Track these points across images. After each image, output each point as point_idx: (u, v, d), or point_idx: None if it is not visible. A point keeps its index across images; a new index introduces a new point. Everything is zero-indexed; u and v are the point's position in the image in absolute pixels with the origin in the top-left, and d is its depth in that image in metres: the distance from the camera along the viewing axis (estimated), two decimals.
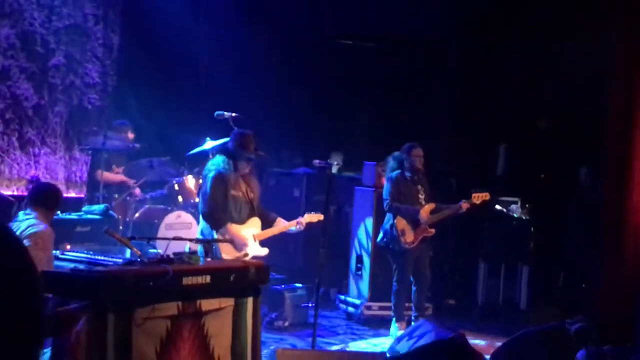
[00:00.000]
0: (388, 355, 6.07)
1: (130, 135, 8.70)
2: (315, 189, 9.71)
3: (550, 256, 9.58)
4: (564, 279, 9.20)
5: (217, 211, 6.29)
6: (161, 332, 4.06)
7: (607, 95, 7.01)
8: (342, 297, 9.07)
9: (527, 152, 10.15)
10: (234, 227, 6.30)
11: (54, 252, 5.16)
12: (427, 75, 10.48)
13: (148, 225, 8.26)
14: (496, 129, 10.11)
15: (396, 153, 8.25)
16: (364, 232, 8.75)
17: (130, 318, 3.89)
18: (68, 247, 6.57)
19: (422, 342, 5.99)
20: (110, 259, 4.36)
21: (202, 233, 6.39)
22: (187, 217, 8.50)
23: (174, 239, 4.88)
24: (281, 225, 6.70)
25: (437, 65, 10.52)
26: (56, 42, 9.29)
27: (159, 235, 8.07)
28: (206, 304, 4.30)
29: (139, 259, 4.26)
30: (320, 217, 6.92)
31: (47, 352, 3.76)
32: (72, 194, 9.45)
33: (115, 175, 8.71)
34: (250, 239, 6.36)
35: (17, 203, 7.10)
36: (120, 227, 8.01)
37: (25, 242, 4.95)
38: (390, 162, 8.28)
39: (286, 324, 8.09)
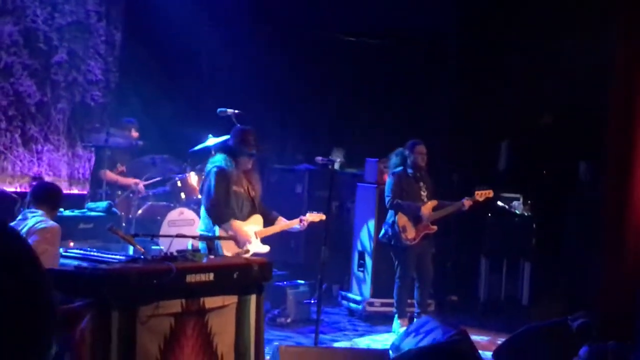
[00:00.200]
0: (391, 352, 6.08)
1: (135, 134, 8.71)
2: (318, 186, 9.72)
3: (552, 252, 9.59)
4: (565, 275, 9.21)
5: (220, 206, 6.27)
6: (165, 329, 4.07)
7: (608, 91, 7.01)
8: (345, 293, 9.08)
9: (529, 148, 10.15)
10: (237, 224, 6.29)
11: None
12: (429, 72, 10.47)
13: (151, 222, 8.27)
14: (498, 125, 10.11)
15: (399, 150, 8.26)
16: (366, 229, 8.76)
17: (134, 316, 3.91)
18: (71, 244, 6.60)
19: (429, 339, 6.00)
20: (113, 257, 4.37)
21: (203, 230, 6.37)
22: (189, 213, 8.51)
23: (177, 236, 4.90)
24: (282, 223, 6.70)
25: (439, 61, 10.51)
26: (59, 39, 9.30)
27: (162, 231, 8.07)
28: (210, 302, 4.31)
29: (142, 257, 4.27)
30: (322, 217, 6.91)
31: None
32: (75, 191, 9.47)
33: (119, 177, 8.70)
34: (252, 235, 6.36)
35: (20, 200, 7.12)
36: (123, 224, 8.01)
37: (34, 237, 4.99)
38: (393, 159, 8.29)
39: (289, 320, 8.11)
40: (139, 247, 4.53)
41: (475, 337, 6.49)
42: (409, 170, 8.14)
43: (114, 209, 7.86)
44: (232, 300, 4.47)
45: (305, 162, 10.13)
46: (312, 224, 6.88)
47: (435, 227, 8.09)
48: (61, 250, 5.07)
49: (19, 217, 5.44)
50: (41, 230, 5.16)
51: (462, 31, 10.34)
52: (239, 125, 6.98)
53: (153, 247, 6.98)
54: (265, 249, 6.47)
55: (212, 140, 8.55)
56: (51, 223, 5.33)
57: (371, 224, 8.69)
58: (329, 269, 6.91)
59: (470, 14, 10.19)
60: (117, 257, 4.36)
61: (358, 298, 8.77)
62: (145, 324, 3.96)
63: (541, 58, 9.73)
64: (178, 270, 4.06)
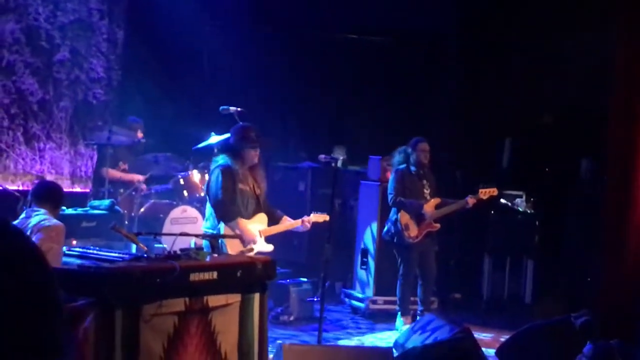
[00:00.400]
0: (394, 350, 6.07)
1: (140, 135, 8.70)
2: (321, 183, 9.72)
3: (555, 250, 9.58)
4: (568, 273, 9.20)
5: (227, 204, 6.24)
6: (168, 328, 4.06)
7: (608, 90, 7.00)
8: (347, 291, 9.08)
9: (532, 146, 10.14)
10: (242, 222, 6.26)
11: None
12: (431, 70, 10.46)
13: (153, 220, 8.26)
14: (500, 122, 10.10)
15: (402, 147, 8.25)
16: (369, 227, 8.75)
17: (137, 314, 3.90)
18: (74, 242, 6.60)
19: (435, 337, 5.99)
20: (117, 255, 4.36)
21: (208, 228, 6.34)
22: (192, 211, 8.51)
23: (181, 234, 4.89)
24: (287, 223, 6.67)
25: (441, 60, 10.50)
26: (61, 37, 9.29)
27: (165, 229, 8.08)
28: (213, 300, 4.30)
29: (145, 255, 4.26)
30: (326, 217, 6.87)
31: None
32: (77, 189, 9.46)
33: (121, 174, 8.71)
34: (256, 234, 6.33)
35: (22, 198, 7.10)
36: (126, 222, 8.01)
37: (39, 235, 4.98)
38: (396, 157, 8.27)
39: (292, 318, 8.11)
40: (142, 245, 4.53)
41: (478, 335, 6.49)
42: (412, 168, 8.13)
43: (116, 207, 7.86)
44: (235, 298, 4.46)
45: (307, 160, 10.13)
46: (315, 224, 6.86)
47: (438, 225, 8.08)
48: (64, 248, 5.07)
49: (22, 215, 5.43)
50: (45, 228, 5.16)
51: (464, 30, 10.33)
52: (242, 123, 6.98)
53: (156, 246, 6.99)
54: (270, 248, 6.45)
55: (214, 138, 8.55)
56: (55, 221, 5.33)
57: (374, 221, 8.69)
58: (331, 266, 6.91)
59: (471, 13, 10.19)
60: (121, 255, 4.35)
61: (361, 296, 8.77)
62: (149, 323, 3.95)
63: (542, 57, 9.73)
64: (181, 268, 4.05)
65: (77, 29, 9.46)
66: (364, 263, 8.81)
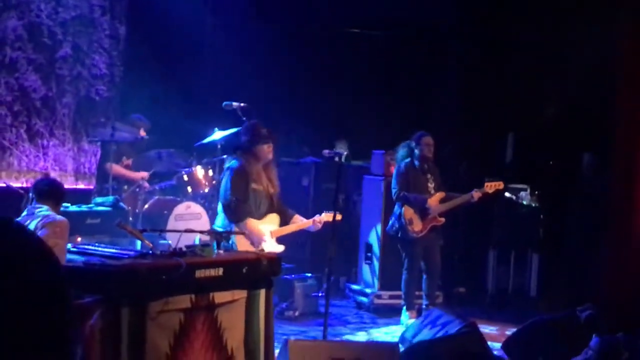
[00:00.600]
0: (400, 344, 6.07)
1: (142, 133, 8.69)
2: (324, 178, 9.70)
3: (560, 243, 9.57)
4: (573, 266, 9.19)
5: (237, 205, 6.17)
6: (175, 325, 4.06)
7: (613, 83, 6.99)
8: (352, 286, 9.07)
9: (536, 139, 10.13)
10: (252, 223, 6.20)
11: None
12: (435, 64, 10.44)
13: (157, 216, 8.26)
14: (504, 116, 10.08)
15: (406, 142, 8.23)
16: (373, 221, 8.74)
17: (143, 311, 3.89)
18: (79, 239, 6.58)
19: (445, 331, 5.99)
20: (122, 252, 4.35)
21: (219, 226, 6.27)
22: (196, 207, 8.50)
23: (186, 231, 4.88)
24: (298, 222, 6.60)
25: (445, 54, 10.48)
26: (63, 33, 9.28)
27: (169, 225, 8.08)
28: (219, 297, 4.30)
29: (151, 252, 4.25)
30: (338, 216, 6.85)
31: None
32: (81, 186, 9.46)
33: (125, 171, 8.70)
34: (267, 235, 6.27)
35: (26, 195, 7.10)
36: (130, 219, 8.00)
37: (44, 231, 4.98)
38: (400, 151, 8.25)
39: (297, 313, 8.10)
40: (147, 242, 4.52)
41: (483, 329, 6.48)
42: (416, 162, 8.11)
43: (120, 203, 7.86)
44: (241, 295, 4.46)
45: (311, 154, 10.11)
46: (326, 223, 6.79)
47: (442, 219, 8.07)
48: (69, 245, 5.06)
49: (24, 213, 5.43)
50: (50, 224, 5.16)
51: (467, 24, 10.30)
52: (246, 120, 6.96)
53: (161, 242, 6.98)
54: (280, 248, 6.38)
55: (218, 134, 8.55)
56: (59, 217, 5.33)
57: (378, 216, 8.67)
58: (335, 261, 6.89)
59: (475, 8, 10.16)
60: (126, 252, 4.34)
61: (366, 291, 8.76)
62: (155, 320, 3.95)
63: (545, 52, 9.71)
64: (187, 265, 4.05)
65: (78, 25, 9.45)
66: (368, 258, 8.80)
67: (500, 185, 8.13)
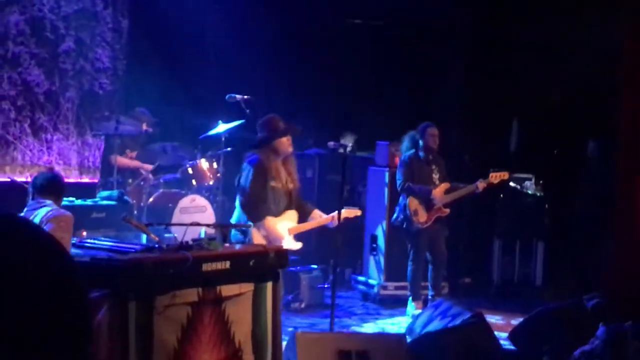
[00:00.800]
0: (407, 335, 6.07)
1: (144, 127, 8.68)
2: (328, 170, 9.69)
3: (565, 232, 9.56)
4: (579, 254, 9.18)
5: (256, 203, 6.01)
6: (182, 318, 4.05)
7: (617, 70, 6.96)
8: (358, 277, 9.07)
9: (540, 128, 10.10)
10: (270, 222, 6.05)
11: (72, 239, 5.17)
12: (439, 54, 10.39)
13: (162, 210, 8.26)
14: (508, 105, 10.05)
15: (411, 132, 8.22)
16: (378, 212, 8.73)
17: (151, 306, 3.89)
18: (84, 233, 6.58)
19: (456, 322, 5.99)
20: (128, 246, 4.34)
21: (237, 221, 6.10)
22: (201, 200, 8.50)
23: (192, 224, 4.88)
24: (317, 218, 6.38)
25: (448, 43, 10.44)
26: (66, 27, 9.26)
27: (174, 219, 8.08)
28: (226, 290, 4.29)
29: (157, 246, 4.25)
30: (358, 212, 6.72)
31: None
32: (85, 180, 9.46)
33: (130, 161, 8.72)
34: (285, 233, 6.12)
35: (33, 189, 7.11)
36: (135, 212, 8.01)
37: (49, 226, 4.97)
38: (405, 142, 8.24)
39: (303, 305, 8.11)
40: (153, 236, 4.51)
41: (489, 319, 6.47)
42: (421, 153, 8.10)
43: (125, 197, 7.86)
44: (248, 288, 4.45)
45: (315, 146, 10.10)
46: (324, 207, 6.71)
47: (447, 210, 8.06)
48: (75, 240, 5.06)
49: (26, 208, 5.41)
50: (55, 218, 5.14)
51: (470, 13, 10.26)
52: (250, 113, 6.91)
53: (166, 235, 6.98)
54: (298, 245, 6.22)
55: (222, 127, 8.54)
56: (63, 211, 5.32)
57: (383, 207, 8.67)
58: (341, 253, 6.88)
59: None
60: (132, 246, 4.34)
61: (371, 282, 8.76)
62: (163, 314, 3.94)
63: (549, 38, 9.66)
64: (194, 259, 4.04)
65: (81, 18, 9.43)
66: (374, 249, 8.80)
67: (505, 175, 8.12)
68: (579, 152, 9.64)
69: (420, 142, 8.08)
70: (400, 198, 8.13)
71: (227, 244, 4.58)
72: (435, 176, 8.10)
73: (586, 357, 5.44)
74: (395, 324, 7.78)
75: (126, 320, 3.80)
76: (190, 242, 4.30)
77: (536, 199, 9.48)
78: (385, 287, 8.61)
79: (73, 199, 7.34)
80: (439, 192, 8.00)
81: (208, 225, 6.54)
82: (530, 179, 9.54)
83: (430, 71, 10.38)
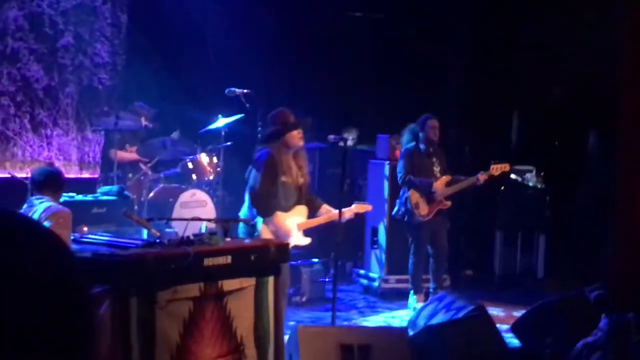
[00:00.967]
0: (409, 329, 6.06)
1: (144, 122, 8.66)
2: (329, 164, 9.67)
3: (567, 224, 9.56)
4: (580, 246, 9.18)
5: (266, 199, 5.90)
6: (184, 313, 4.05)
7: (619, 67, 6.94)
8: (359, 271, 9.06)
9: (541, 119, 10.09)
10: (280, 217, 5.94)
11: (72, 234, 5.15)
12: (439, 46, 10.37)
13: (163, 204, 8.23)
14: (508, 97, 10.04)
15: (411, 125, 8.20)
16: (378, 205, 8.71)
17: (152, 301, 3.88)
18: (85, 229, 6.58)
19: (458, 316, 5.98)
20: (130, 241, 4.33)
21: (245, 215, 5.99)
22: (201, 195, 8.49)
23: (193, 219, 4.87)
24: (326, 212, 6.27)
25: (449, 35, 10.41)
26: (64, 22, 9.23)
27: (174, 213, 8.06)
28: (228, 285, 4.28)
29: (158, 241, 4.24)
30: (369, 207, 6.68)
31: None
32: (85, 175, 9.44)
33: (129, 154, 8.71)
34: (294, 228, 6.02)
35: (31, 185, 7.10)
36: (135, 207, 7.99)
37: (47, 223, 4.95)
38: (405, 135, 8.23)
39: (304, 299, 8.10)
40: (154, 231, 4.50)
41: (491, 311, 6.46)
42: (421, 146, 8.09)
43: (126, 192, 7.85)
44: (250, 282, 4.45)
45: (315, 140, 10.06)
46: (326, 199, 6.65)
47: (448, 203, 8.05)
48: (76, 235, 5.05)
49: (24, 205, 5.39)
50: (53, 214, 5.12)
51: (472, 6, 10.24)
52: (250, 107, 6.88)
53: (167, 230, 6.97)
54: (307, 241, 6.16)
55: (221, 121, 8.52)
56: (61, 207, 5.30)
57: (383, 200, 8.66)
58: (342, 246, 6.87)
59: None
60: (134, 242, 4.32)
61: (372, 275, 8.76)
62: (164, 309, 3.94)
63: (550, 30, 9.64)
64: (195, 253, 4.03)
65: (80, 13, 9.39)
66: (375, 242, 8.79)
67: (506, 167, 8.10)
68: (579, 143, 9.64)
69: (421, 135, 8.06)
70: (401, 191, 8.11)
71: (228, 239, 4.55)
72: (436, 169, 8.09)
73: (589, 349, 5.43)
74: (397, 318, 7.78)
75: (128, 316, 3.79)
76: (192, 237, 4.29)
77: (537, 191, 9.47)
78: (386, 281, 8.60)
79: (73, 194, 7.33)
80: (440, 184, 7.99)
81: (209, 220, 6.52)
82: (531, 171, 9.52)
83: (431, 64, 10.35)
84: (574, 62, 9.45)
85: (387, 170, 8.67)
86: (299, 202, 6.13)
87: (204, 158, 8.71)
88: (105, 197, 7.63)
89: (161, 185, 8.58)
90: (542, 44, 9.74)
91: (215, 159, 8.76)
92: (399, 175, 8.07)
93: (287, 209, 6.03)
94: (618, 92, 6.88)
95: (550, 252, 9.37)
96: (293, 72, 10.11)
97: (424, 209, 7.98)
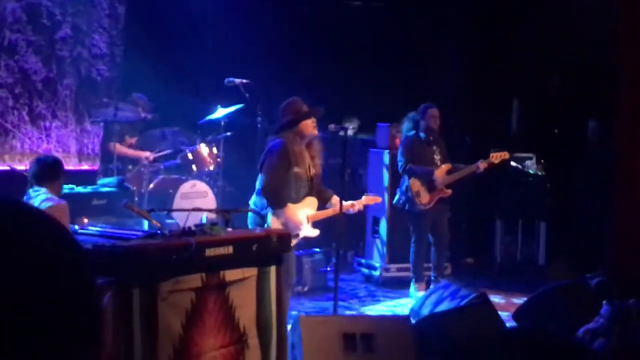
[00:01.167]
0: (411, 317, 6.06)
1: (142, 114, 8.64)
2: (329, 153, 9.59)
3: (567, 211, 9.56)
4: (581, 233, 9.18)
5: (278, 190, 5.81)
6: (186, 304, 4.03)
7: (619, 48, 6.93)
8: (360, 260, 9.07)
9: (541, 107, 10.08)
10: (291, 209, 5.85)
11: (73, 226, 5.13)
12: (439, 34, 10.34)
13: (163, 196, 8.23)
14: (508, 85, 10.02)
15: (411, 114, 8.19)
16: (379, 194, 8.68)
17: (155, 292, 3.86)
18: (85, 220, 6.57)
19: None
20: (131, 233, 4.31)
21: (256, 204, 5.92)
22: (201, 185, 8.47)
23: (193, 210, 4.85)
24: (336, 203, 6.20)
25: (449, 23, 10.38)
26: (62, 14, 9.19)
27: (175, 204, 8.05)
28: (230, 275, 4.26)
29: (160, 232, 4.22)
30: (378, 199, 6.66)
31: None
32: (85, 167, 9.43)
33: (129, 150, 8.68)
34: (304, 220, 5.96)
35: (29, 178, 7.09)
36: (136, 199, 7.98)
37: None
38: (405, 123, 8.22)
39: (305, 289, 8.10)
40: (155, 222, 4.48)
41: (492, 299, 6.47)
42: (421, 135, 8.08)
43: (126, 183, 7.84)
44: (252, 272, 4.43)
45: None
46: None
47: (449, 191, 8.04)
48: (76, 227, 5.03)
49: (24, 197, 5.37)
50: (47, 209, 5.08)
51: None
52: (249, 97, 6.84)
53: (167, 221, 6.96)
54: (315, 233, 6.10)
55: (221, 111, 8.50)
56: (57, 200, 5.25)
57: (384, 189, 8.65)
58: (343, 236, 6.86)
59: None
60: (135, 233, 4.31)
61: (374, 264, 8.76)
62: (167, 300, 3.92)
63: (549, 18, 9.61)
64: (197, 244, 4.01)
65: (77, 4, 9.36)
66: (376, 231, 8.79)
67: (505, 155, 8.10)
68: (579, 131, 9.62)
69: (421, 123, 8.06)
70: (402, 180, 8.11)
71: (229, 229, 4.53)
72: (437, 157, 8.08)
73: (591, 335, 5.43)
74: (399, 306, 7.78)
75: (130, 307, 3.77)
76: (193, 228, 4.27)
77: (538, 179, 9.47)
78: (387, 269, 8.60)
79: (73, 186, 7.32)
80: (440, 173, 7.98)
81: (210, 211, 6.51)
82: (531, 158, 9.53)
83: (430, 53, 10.33)
84: (574, 50, 9.43)
85: (387, 159, 8.66)
86: (309, 194, 6.05)
87: (203, 149, 8.69)
88: (105, 189, 7.62)
89: (161, 176, 8.56)
90: (541, 32, 9.71)
91: (215, 150, 8.75)
92: (400, 163, 8.06)
93: (297, 201, 5.95)
94: (617, 80, 6.87)
95: (551, 240, 9.38)
96: (292, 62, 10.07)
97: (424, 198, 7.98)
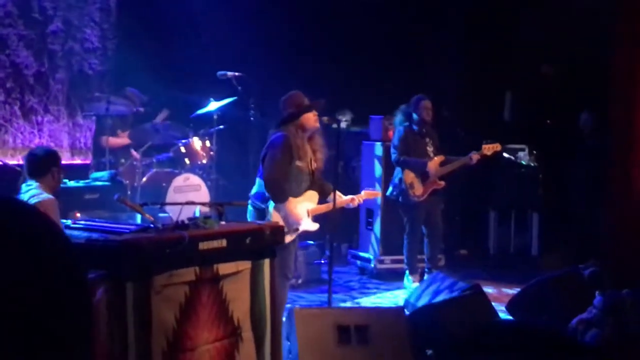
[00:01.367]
0: (406, 308, 6.08)
1: (134, 108, 8.61)
2: None
3: (560, 202, 9.58)
4: (574, 224, 9.20)
5: (281, 184, 5.76)
6: (180, 298, 4.03)
7: (611, 39, 6.94)
8: (354, 252, 9.07)
9: (533, 98, 10.09)
10: (291, 203, 5.80)
11: (65, 221, 5.11)
12: (432, 26, 10.33)
13: (156, 189, 8.21)
14: (501, 76, 10.02)
15: (404, 106, 8.19)
16: (372, 187, 8.71)
17: (148, 286, 3.85)
18: (78, 215, 6.55)
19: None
20: (124, 226, 4.31)
21: (257, 197, 5.88)
22: (195, 179, 8.46)
23: (187, 203, 4.84)
24: (336, 197, 6.07)
25: (442, 15, 10.37)
26: (53, 8, 9.16)
27: (168, 198, 8.04)
28: (223, 268, 4.26)
29: (153, 226, 4.21)
30: (378, 193, 6.69)
31: None
32: (77, 161, 9.41)
33: (120, 139, 8.68)
34: (304, 214, 5.90)
35: (23, 173, 7.06)
36: (129, 192, 7.97)
37: None
38: (398, 116, 8.22)
39: (299, 281, 8.10)
40: (148, 216, 4.47)
41: (486, 290, 6.49)
42: (414, 127, 8.08)
43: (118, 177, 7.83)
44: (245, 265, 4.43)
45: None
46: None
47: (442, 183, 8.05)
48: (69, 222, 5.01)
49: (17, 193, 5.35)
50: (37, 204, 5.05)
51: None
52: (242, 90, 6.83)
53: (160, 215, 6.95)
54: (315, 227, 6.04)
55: (213, 105, 8.49)
56: (44, 196, 5.19)
57: (377, 181, 8.66)
58: (337, 228, 6.86)
59: None
60: (127, 227, 4.30)
61: (368, 256, 8.77)
62: (160, 294, 3.91)
63: (543, 9, 9.61)
64: (190, 238, 4.01)
65: None
66: (370, 223, 8.80)
67: (497, 147, 8.11)
68: (572, 122, 9.64)
69: (414, 115, 8.06)
70: (396, 172, 8.11)
71: (222, 222, 4.53)
72: (430, 149, 8.09)
73: (584, 326, 5.45)
74: (393, 298, 7.79)
75: (124, 301, 3.77)
76: (186, 221, 4.26)
77: (530, 170, 9.49)
78: (381, 261, 8.62)
79: (66, 180, 7.28)
80: (433, 164, 7.99)
81: (203, 204, 6.49)
82: (523, 150, 9.54)
83: (423, 45, 10.31)
84: (567, 42, 9.43)
85: (380, 151, 8.67)
86: (310, 187, 6.01)
87: (196, 142, 8.68)
88: (97, 183, 7.61)
89: (154, 170, 8.55)
90: (534, 24, 9.71)
91: (208, 143, 8.74)
92: (393, 155, 8.07)
93: (298, 194, 5.90)
94: (610, 71, 6.88)
95: (544, 230, 9.40)
96: (285, 55, 10.05)
97: (418, 189, 7.99)
